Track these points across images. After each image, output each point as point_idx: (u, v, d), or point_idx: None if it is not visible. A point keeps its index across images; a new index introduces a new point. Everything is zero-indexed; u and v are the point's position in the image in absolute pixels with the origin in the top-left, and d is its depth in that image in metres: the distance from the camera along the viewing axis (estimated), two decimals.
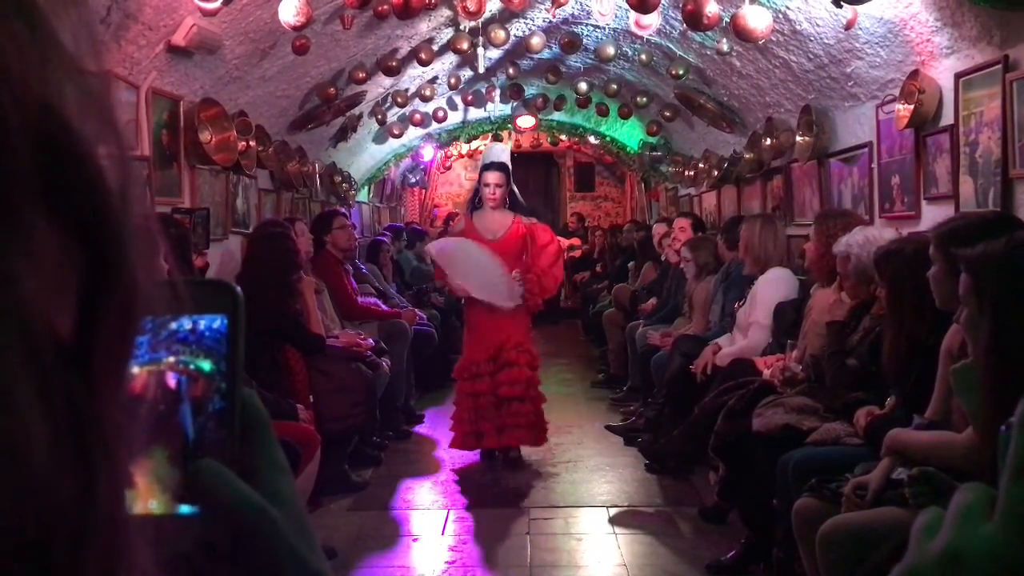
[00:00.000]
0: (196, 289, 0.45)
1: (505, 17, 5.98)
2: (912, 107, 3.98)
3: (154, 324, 0.44)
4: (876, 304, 3.41)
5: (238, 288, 0.47)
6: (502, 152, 5.45)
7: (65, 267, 0.30)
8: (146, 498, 0.43)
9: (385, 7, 4.97)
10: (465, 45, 6.10)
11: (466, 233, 5.24)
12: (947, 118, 3.88)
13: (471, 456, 5.33)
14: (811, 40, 4.71)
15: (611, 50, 6.41)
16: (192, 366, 0.45)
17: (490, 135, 9.88)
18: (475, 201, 5.38)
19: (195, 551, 0.44)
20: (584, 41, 6.44)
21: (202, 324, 0.45)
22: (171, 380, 0.45)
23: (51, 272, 0.29)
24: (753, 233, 4.93)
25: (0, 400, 0.27)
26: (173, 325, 0.45)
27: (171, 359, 0.45)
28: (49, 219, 0.29)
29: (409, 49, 6.34)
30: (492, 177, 5.24)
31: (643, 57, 6.35)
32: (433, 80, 7.55)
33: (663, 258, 7.37)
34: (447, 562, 3.91)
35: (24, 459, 0.27)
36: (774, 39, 4.80)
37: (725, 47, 5.29)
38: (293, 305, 4.51)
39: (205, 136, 4.84)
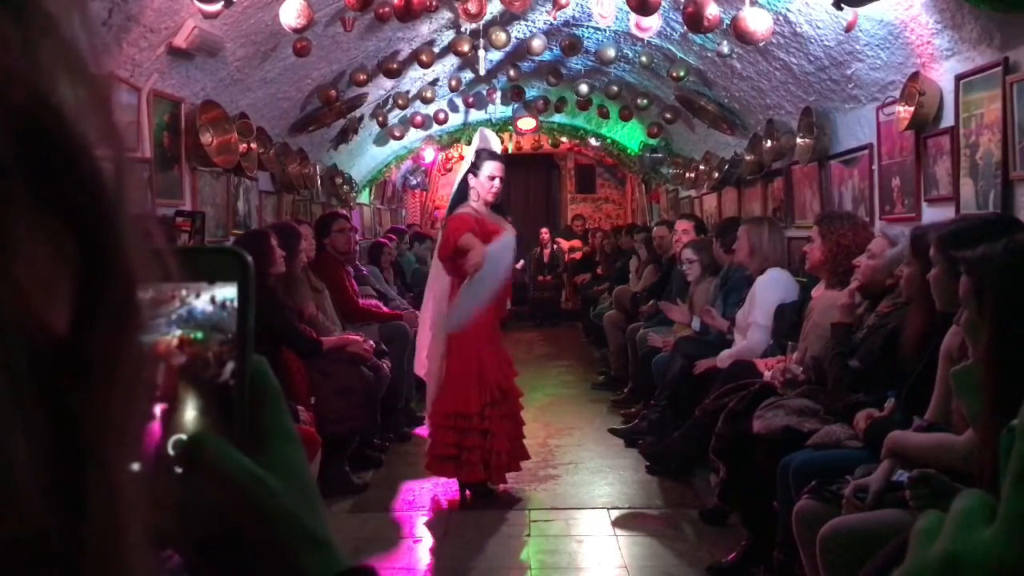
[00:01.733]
0: (205, 257, 0.45)
1: (506, 19, 5.98)
2: (912, 109, 3.98)
3: (162, 294, 0.43)
4: (884, 301, 3.40)
5: (247, 255, 0.46)
6: (497, 140, 4.70)
7: (58, 261, 0.29)
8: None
9: (386, 9, 4.98)
10: (466, 47, 6.11)
11: (489, 227, 4.37)
12: (947, 120, 3.88)
13: None
14: (812, 42, 4.71)
15: (612, 52, 6.42)
16: (201, 335, 0.44)
17: None
18: (464, 196, 4.48)
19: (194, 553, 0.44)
20: (585, 43, 6.45)
21: (212, 293, 0.44)
22: (179, 350, 0.44)
23: (42, 265, 0.29)
24: (760, 236, 4.86)
25: None
26: (182, 293, 0.44)
27: (179, 330, 0.44)
28: (38, 212, 0.29)
29: (410, 51, 6.34)
30: (499, 168, 4.40)
31: (644, 59, 6.35)
32: (434, 82, 7.56)
33: (663, 259, 7.36)
34: (448, 564, 3.91)
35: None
36: (774, 41, 4.80)
37: (726, 49, 5.29)
38: (284, 307, 4.50)
39: (206, 138, 4.84)
